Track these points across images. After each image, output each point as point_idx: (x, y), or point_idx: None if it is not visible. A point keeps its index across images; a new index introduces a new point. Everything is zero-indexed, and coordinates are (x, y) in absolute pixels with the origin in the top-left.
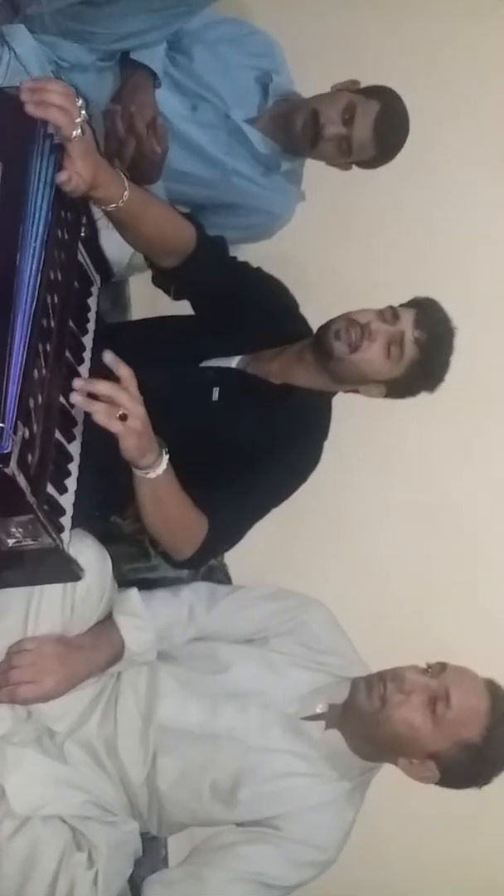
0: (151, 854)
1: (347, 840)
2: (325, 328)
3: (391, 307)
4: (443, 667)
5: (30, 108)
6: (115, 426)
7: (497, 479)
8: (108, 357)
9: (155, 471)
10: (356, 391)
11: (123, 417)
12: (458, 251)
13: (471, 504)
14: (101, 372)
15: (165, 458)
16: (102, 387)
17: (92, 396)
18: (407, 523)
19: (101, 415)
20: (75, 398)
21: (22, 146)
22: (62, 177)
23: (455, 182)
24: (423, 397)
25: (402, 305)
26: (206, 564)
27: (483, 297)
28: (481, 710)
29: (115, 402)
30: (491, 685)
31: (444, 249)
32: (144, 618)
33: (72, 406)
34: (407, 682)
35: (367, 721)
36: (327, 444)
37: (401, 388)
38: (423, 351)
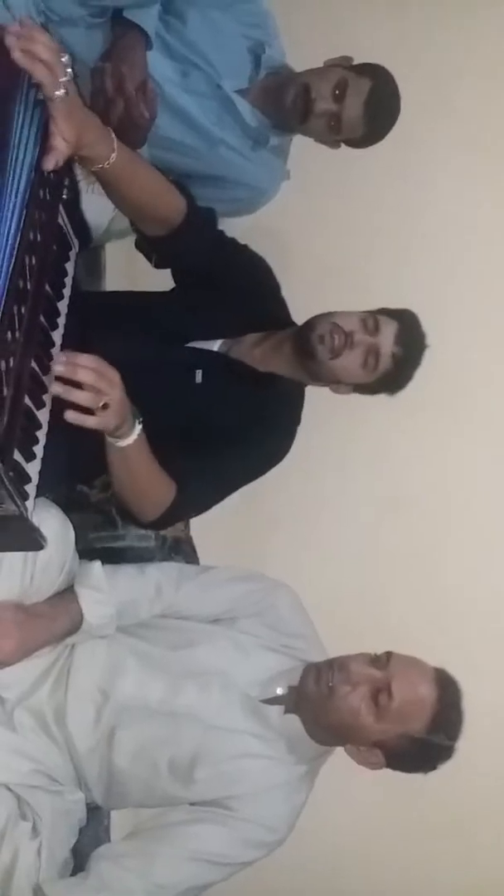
0: (94, 823)
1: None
2: (309, 328)
3: (374, 317)
4: (389, 657)
5: (16, 55)
6: (90, 422)
7: (457, 472)
8: (63, 358)
9: (126, 440)
10: (325, 386)
11: (105, 406)
12: (439, 240)
13: (431, 495)
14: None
15: (138, 427)
16: (87, 376)
17: (68, 382)
18: (369, 512)
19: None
20: (56, 389)
21: (5, 92)
22: (50, 161)
23: (443, 171)
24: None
25: (383, 313)
26: (168, 528)
27: (456, 286)
28: (427, 701)
29: (97, 391)
30: (440, 676)
31: (426, 239)
32: (105, 591)
33: (44, 372)
34: (353, 674)
35: (315, 707)
36: (297, 435)
37: (366, 390)
38: (396, 365)
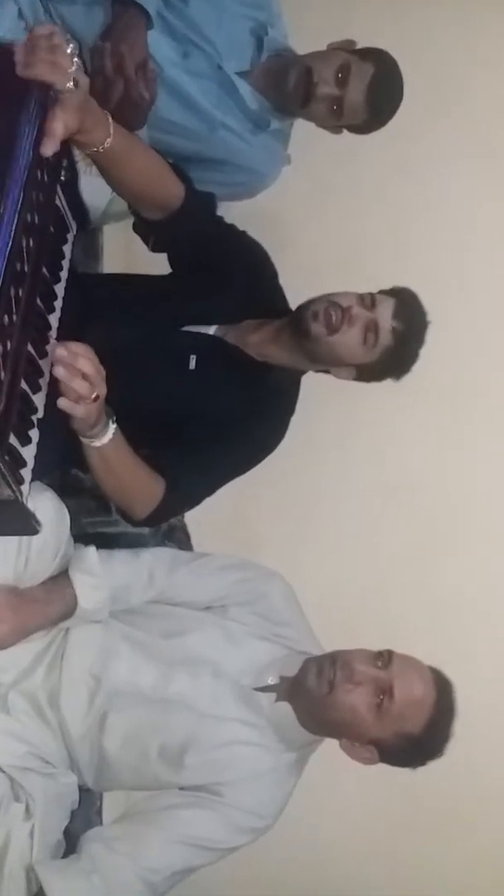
0: (86, 805)
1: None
2: (304, 307)
3: (371, 294)
4: (391, 656)
5: (20, 70)
6: (78, 410)
7: (461, 461)
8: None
9: (100, 440)
10: (327, 371)
11: (96, 398)
12: (440, 229)
13: (431, 487)
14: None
15: (112, 427)
16: (86, 365)
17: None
18: (368, 503)
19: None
20: (59, 372)
21: (18, 100)
22: (49, 147)
23: (445, 160)
24: (390, 382)
25: (382, 292)
26: (161, 524)
27: (455, 278)
28: (425, 704)
29: (91, 381)
30: (438, 678)
31: (427, 227)
32: (100, 576)
33: (41, 356)
34: (357, 673)
35: (315, 702)
36: (295, 421)
37: (370, 373)
38: (397, 340)
